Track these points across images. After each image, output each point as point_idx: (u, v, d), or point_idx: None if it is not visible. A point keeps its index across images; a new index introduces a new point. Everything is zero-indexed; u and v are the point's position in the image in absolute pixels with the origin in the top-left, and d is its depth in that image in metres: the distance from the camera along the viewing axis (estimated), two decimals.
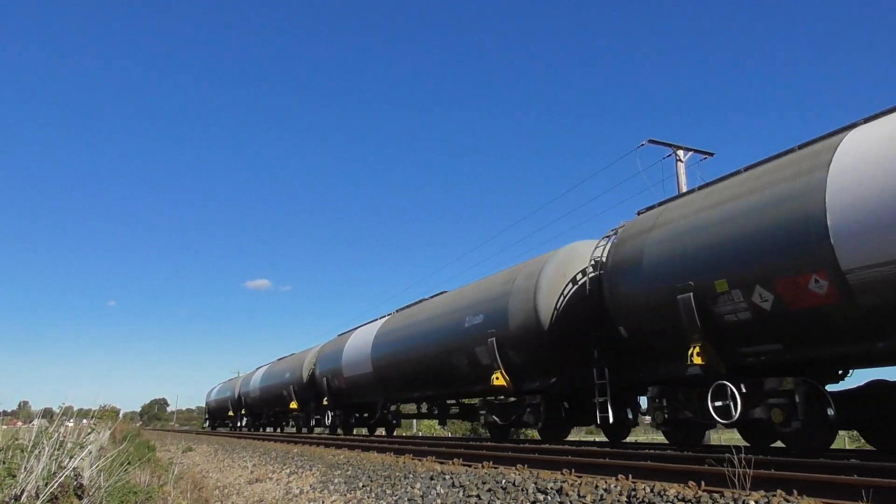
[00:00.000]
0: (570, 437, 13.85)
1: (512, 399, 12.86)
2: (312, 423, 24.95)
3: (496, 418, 13.21)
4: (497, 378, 12.03)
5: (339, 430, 21.63)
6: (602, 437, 17.50)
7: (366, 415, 20.72)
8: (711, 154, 19.24)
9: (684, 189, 18.49)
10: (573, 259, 11.54)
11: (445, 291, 16.51)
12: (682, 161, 18.82)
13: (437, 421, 20.58)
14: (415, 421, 32.93)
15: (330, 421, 22.24)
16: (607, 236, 10.56)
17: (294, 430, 27.64)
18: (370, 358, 18.04)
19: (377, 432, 22.17)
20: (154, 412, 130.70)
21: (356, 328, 21.80)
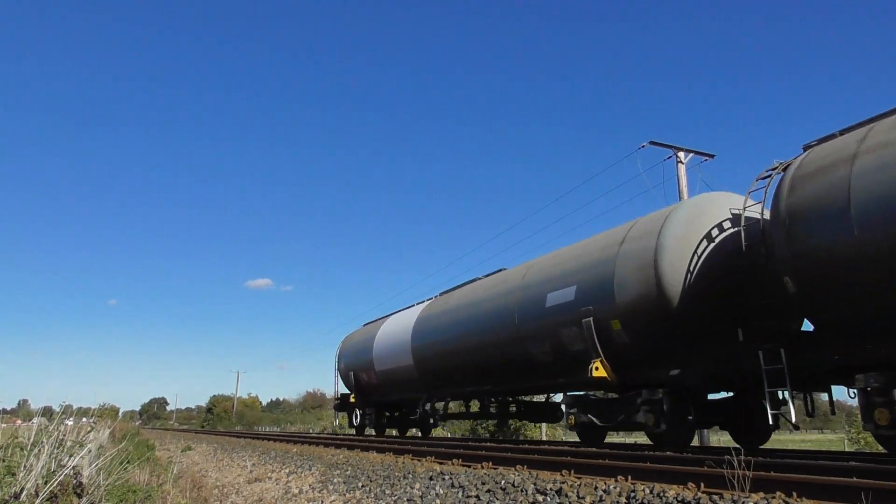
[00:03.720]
0: (570, 438, 13.79)
1: (613, 395, 10.54)
2: None
3: (593, 418, 10.41)
4: (597, 368, 9.63)
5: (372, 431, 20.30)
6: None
7: (407, 413, 18.04)
8: (712, 156, 19.23)
9: (685, 191, 18.56)
10: (706, 211, 9.01)
11: (504, 269, 14.05)
12: (682, 163, 18.81)
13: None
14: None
15: (358, 421, 20.40)
16: (766, 176, 8.06)
17: None
18: (409, 348, 15.56)
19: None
20: (154, 411, 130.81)
21: (384, 317, 19.16)
